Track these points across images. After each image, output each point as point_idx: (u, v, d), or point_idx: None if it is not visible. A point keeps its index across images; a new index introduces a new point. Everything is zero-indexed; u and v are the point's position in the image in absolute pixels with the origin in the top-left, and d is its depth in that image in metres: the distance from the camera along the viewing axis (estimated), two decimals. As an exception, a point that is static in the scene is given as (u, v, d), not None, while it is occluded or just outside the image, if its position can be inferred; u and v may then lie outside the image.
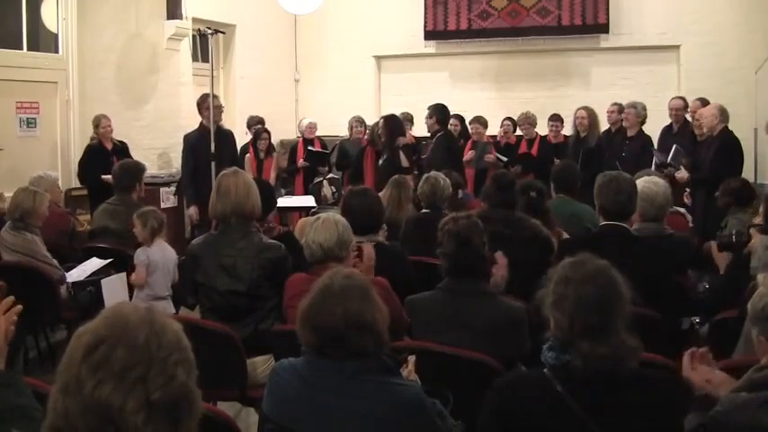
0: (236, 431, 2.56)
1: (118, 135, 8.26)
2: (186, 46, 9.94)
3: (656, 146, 8.43)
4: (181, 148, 8.17)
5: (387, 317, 2.41)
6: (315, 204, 6.66)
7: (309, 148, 9.53)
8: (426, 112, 8.62)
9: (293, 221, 8.01)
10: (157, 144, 9.38)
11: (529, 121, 9.30)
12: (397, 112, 9.77)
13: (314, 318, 2.31)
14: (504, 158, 9.00)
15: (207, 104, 7.70)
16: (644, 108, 8.46)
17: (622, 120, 8.71)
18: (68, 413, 1.35)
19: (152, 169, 8.54)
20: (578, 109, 8.84)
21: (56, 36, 8.52)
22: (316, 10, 10.74)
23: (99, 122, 7.99)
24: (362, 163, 8.49)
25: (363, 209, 4.32)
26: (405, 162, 7.93)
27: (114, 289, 5.17)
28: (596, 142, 8.50)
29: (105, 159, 7.78)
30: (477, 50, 11.96)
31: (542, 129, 9.50)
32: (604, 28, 11.33)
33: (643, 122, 8.47)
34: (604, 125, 9.08)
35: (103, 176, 7.41)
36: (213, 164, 7.40)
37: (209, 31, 7.93)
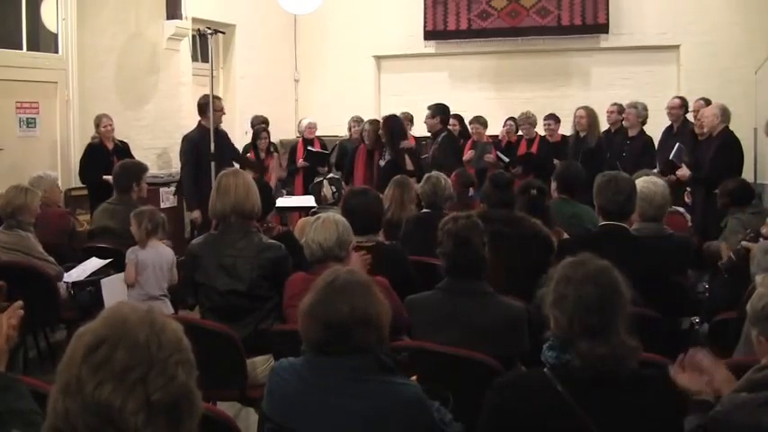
0: (235, 431, 2.56)
1: (118, 135, 8.26)
2: (186, 46, 9.94)
3: (656, 146, 8.44)
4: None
5: (389, 313, 2.43)
6: (315, 204, 6.66)
7: (309, 148, 9.54)
8: (427, 111, 8.60)
9: (293, 221, 8.01)
10: (157, 144, 9.38)
11: (529, 120, 9.30)
12: (397, 113, 9.77)
13: (321, 313, 2.32)
14: (506, 159, 9.00)
15: (216, 106, 7.61)
16: (645, 108, 8.47)
17: (622, 120, 8.71)
18: (68, 413, 1.35)
19: (152, 169, 8.53)
20: (578, 109, 8.85)
21: (56, 36, 8.52)
22: (315, 10, 10.74)
23: (100, 122, 7.98)
24: (354, 161, 8.47)
25: (363, 209, 4.32)
26: (409, 165, 7.83)
27: (114, 289, 5.16)
28: (596, 142, 8.51)
29: (106, 159, 7.78)
30: (476, 50, 11.97)
31: (542, 129, 9.50)
32: (604, 28, 11.34)
33: (644, 122, 8.47)
34: (604, 125, 9.09)
35: (105, 176, 7.40)
36: (213, 164, 7.39)
37: (209, 31, 7.93)
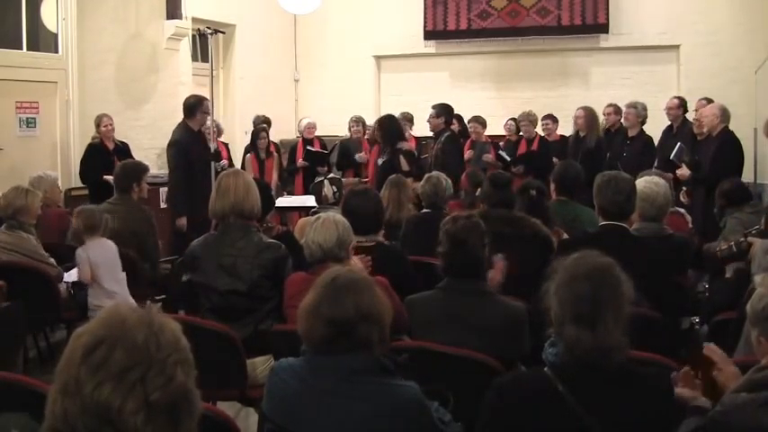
0: (235, 431, 2.56)
1: (117, 135, 8.26)
2: (186, 46, 9.94)
3: (656, 146, 8.45)
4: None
5: (391, 312, 2.45)
6: (315, 204, 6.66)
7: (308, 148, 9.54)
8: (431, 111, 8.58)
9: (293, 221, 8.01)
10: (157, 144, 9.36)
11: (530, 118, 9.30)
12: (397, 112, 9.78)
13: (325, 310, 2.32)
14: (508, 158, 9.01)
15: (204, 108, 7.25)
16: (644, 108, 8.47)
17: (620, 120, 8.72)
18: (67, 414, 1.35)
19: (152, 169, 8.49)
20: (577, 109, 8.85)
21: (55, 36, 8.52)
22: (315, 10, 10.75)
23: (100, 121, 7.96)
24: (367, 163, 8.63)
25: (364, 209, 4.32)
26: (405, 166, 7.74)
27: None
28: (596, 142, 8.51)
29: (106, 159, 7.77)
30: (476, 50, 11.97)
31: (541, 129, 9.50)
32: (604, 28, 11.34)
33: (643, 122, 8.47)
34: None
35: (105, 176, 7.39)
36: (213, 164, 7.37)
37: (209, 31, 7.93)
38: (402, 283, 3.77)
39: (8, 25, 8.15)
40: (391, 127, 7.91)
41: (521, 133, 9.53)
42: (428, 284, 3.61)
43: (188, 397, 1.43)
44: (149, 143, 9.28)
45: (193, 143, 7.18)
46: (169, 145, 7.26)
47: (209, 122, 7.65)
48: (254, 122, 10.02)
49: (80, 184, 8.28)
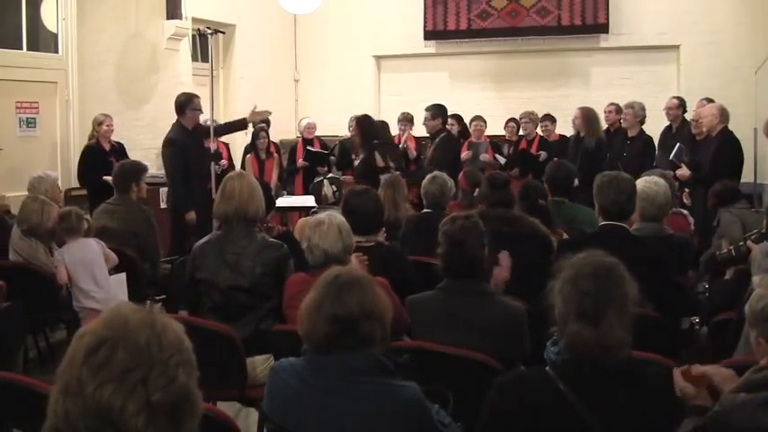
0: (235, 431, 2.56)
1: (117, 135, 8.25)
2: (186, 46, 9.94)
3: (656, 146, 8.45)
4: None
5: (392, 311, 2.47)
6: (315, 204, 6.66)
7: (308, 148, 9.54)
8: (426, 113, 8.58)
9: (293, 221, 8.01)
10: (157, 144, 9.29)
11: (531, 117, 9.31)
12: (397, 113, 9.79)
13: (328, 308, 2.33)
14: (503, 159, 9.01)
15: (194, 105, 7.20)
16: (642, 108, 8.46)
17: (620, 120, 8.72)
18: (69, 415, 1.35)
19: (152, 169, 8.50)
20: (576, 109, 8.85)
21: (55, 36, 8.52)
22: (315, 10, 10.74)
23: (102, 122, 7.89)
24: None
25: (364, 209, 4.32)
26: (380, 162, 7.90)
27: (114, 289, 5.19)
28: (596, 142, 8.50)
29: (104, 160, 7.73)
30: (476, 50, 11.97)
31: (540, 130, 9.50)
32: (604, 28, 11.34)
33: (642, 122, 8.47)
34: (605, 125, 9.09)
35: (105, 177, 7.37)
36: (213, 164, 7.36)
37: (209, 31, 7.91)
38: (402, 284, 3.77)
39: (8, 25, 8.15)
40: (368, 126, 8.06)
41: (520, 133, 9.53)
42: (428, 285, 3.62)
43: (189, 398, 1.43)
44: (149, 143, 9.27)
45: (189, 142, 7.13)
46: (164, 145, 7.24)
47: (202, 120, 7.63)
48: (253, 123, 10.01)
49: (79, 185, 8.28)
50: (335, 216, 3.73)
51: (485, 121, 9.58)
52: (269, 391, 2.48)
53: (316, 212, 5.24)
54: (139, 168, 6.19)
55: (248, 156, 9.50)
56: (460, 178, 6.73)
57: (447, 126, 9.04)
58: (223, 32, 9.16)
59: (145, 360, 1.38)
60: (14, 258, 5.33)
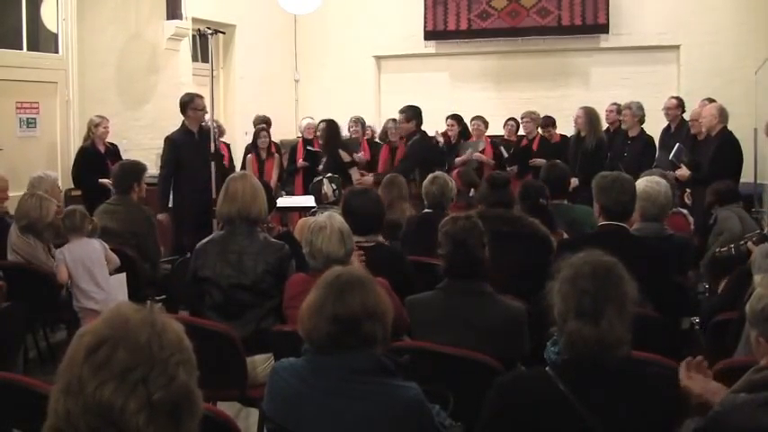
0: (235, 431, 2.56)
1: (117, 135, 8.25)
2: (186, 46, 9.95)
3: (656, 146, 8.45)
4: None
5: (392, 311, 2.47)
6: (315, 204, 6.67)
7: (308, 148, 9.53)
8: (399, 116, 8.52)
9: (293, 221, 8.01)
10: (157, 144, 9.31)
11: (532, 116, 9.30)
12: (398, 113, 9.77)
13: (330, 307, 2.33)
14: (506, 153, 9.04)
15: (195, 105, 7.23)
16: (640, 107, 8.45)
17: (620, 119, 8.73)
18: (70, 414, 1.36)
19: (151, 169, 8.50)
20: (578, 109, 8.85)
21: (56, 36, 8.52)
22: (315, 10, 10.75)
23: (99, 124, 7.86)
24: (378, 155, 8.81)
25: (364, 209, 4.32)
26: (346, 157, 8.25)
27: (114, 289, 5.19)
28: (596, 142, 8.51)
29: (100, 162, 7.72)
30: (476, 50, 11.98)
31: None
32: (604, 28, 11.35)
33: (642, 121, 8.47)
34: (604, 125, 9.10)
35: (101, 180, 7.37)
36: (213, 164, 7.35)
37: (209, 32, 7.90)
38: (402, 284, 3.77)
39: (8, 25, 8.15)
40: (333, 130, 8.34)
41: (520, 133, 9.53)
42: (429, 285, 3.61)
43: (190, 397, 1.43)
44: (149, 143, 9.28)
45: (187, 141, 7.18)
46: (164, 142, 7.41)
47: (208, 121, 7.63)
48: (253, 123, 10.02)
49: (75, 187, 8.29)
50: (335, 219, 3.70)
51: (484, 121, 9.57)
52: (269, 391, 2.48)
53: (315, 212, 5.23)
54: (140, 168, 6.19)
55: (249, 156, 9.49)
56: (454, 178, 6.70)
57: (447, 127, 9.03)
58: (223, 33, 9.16)
59: (145, 359, 1.39)
60: (14, 258, 5.33)
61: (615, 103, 9.12)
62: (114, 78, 8.97)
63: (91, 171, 7.68)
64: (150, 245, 5.92)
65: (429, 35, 12.01)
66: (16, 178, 6.45)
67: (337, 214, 3.86)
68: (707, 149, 7.21)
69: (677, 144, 7.65)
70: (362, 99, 11.95)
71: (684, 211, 6.30)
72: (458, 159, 9.10)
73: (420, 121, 8.30)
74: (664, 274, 3.94)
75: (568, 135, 9.23)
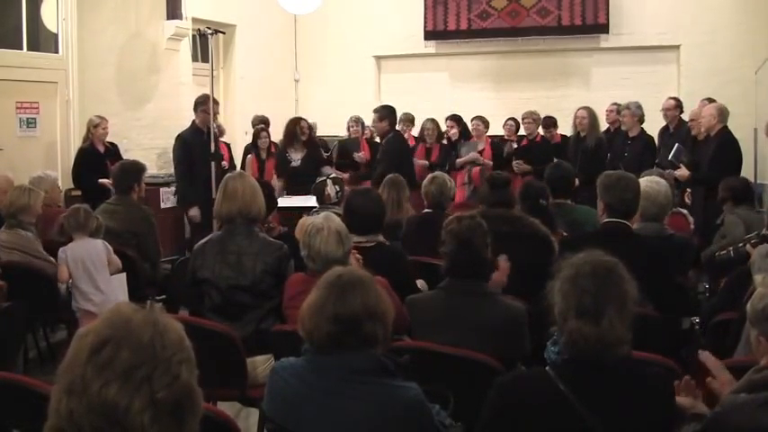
0: (235, 431, 2.56)
1: (117, 135, 8.25)
2: (186, 46, 9.94)
3: (657, 146, 8.45)
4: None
5: (393, 311, 2.47)
6: (315, 205, 6.66)
7: (309, 149, 9.53)
8: (374, 116, 8.54)
9: (293, 222, 8.01)
10: (157, 144, 9.37)
11: (533, 117, 9.30)
12: (398, 113, 9.77)
13: (332, 307, 2.34)
14: (514, 145, 9.08)
15: (206, 107, 7.56)
16: (639, 107, 8.45)
17: (619, 119, 8.74)
18: (73, 413, 1.36)
19: (152, 169, 8.54)
20: (579, 109, 8.84)
21: (56, 36, 8.51)
22: (316, 10, 10.74)
23: (98, 124, 7.86)
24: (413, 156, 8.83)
25: (364, 209, 4.32)
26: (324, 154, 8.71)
27: (114, 291, 5.19)
28: (596, 142, 8.51)
29: (99, 162, 7.72)
30: (476, 50, 11.97)
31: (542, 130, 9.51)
32: (604, 28, 11.34)
33: (641, 121, 8.47)
34: (603, 125, 9.10)
35: (101, 181, 7.38)
36: (213, 164, 7.38)
37: (209, 32, 7.91)
38: (402, 284, 3.77)
39: (8, 25, 8.15)
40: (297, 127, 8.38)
41: (520, 132, 9.53)
42: (429, 285, 3.62)
43: (192, 396, 1.44)
44: (149, 143, 9.28)
45: (195, 139, 7.53)
46: (174, 140, 7.84)
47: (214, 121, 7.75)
48: (252, 123, 10.02)
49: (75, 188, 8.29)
50: (333, 219, 3.69)
51: (484, 121, 9.58)
52: (269, 391, 2.48)
53: (317, 212, 5.23)
54: (140, 168, 6.20)
55: (249, 156, 9.49)
56: (475, 176, 6.71)
57: (446, 127, 9.03)
58: (223, 33, 9.16)
59: (149, 358, 1.39)
60: (6, 256, 5.27)
61: (615, 104, 9.13)
62: (114, 78, 8.96)
63: (90, 171, 7.68)
64: (150, 245, 5.92)
65: (429, 35, 12.00)
66: (16, 178, 6.44)
67: (334, 215, 3.85)
68: (706, 149, 7.21)
69: (677, 144, 7.65)
70: (362, 99, 11.93)
71: (684, 211, 6.30)
72: (459, 161, 9.12)
73: (394, 120, 8.37)
74: (665, 272, 3.95)
75: (568, 135, 9.23)
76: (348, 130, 9.91)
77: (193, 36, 9.82)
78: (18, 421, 2.99)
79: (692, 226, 6.15)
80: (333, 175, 6.31)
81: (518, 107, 10.10)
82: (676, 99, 8.75)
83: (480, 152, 9.22)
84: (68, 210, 5.35)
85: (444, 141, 9.43)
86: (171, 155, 9.31)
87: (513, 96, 11.52)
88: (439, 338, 3.24)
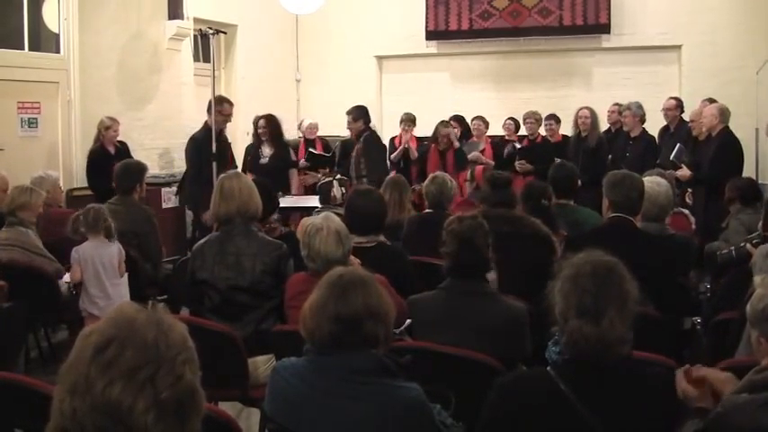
0: (237, 431, 2.57)
1: (119, 135, 8.24)
2: (187, 46, 9.94)
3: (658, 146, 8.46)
4: (183, 148, 8.14)
5: (394, 311, 2.48)
6: (317, 205, 6.66)
7: (310, 150, 9.53)
8: (347, 116, 8.62)
9: (295, 222, 8.01)
10: (159, 144, 9.37)
11: (535, 117, 9.30)
12: (399, 113, 9.78)
13: (333, 307, 2.34)
14: (518, 145, 9.08)
15: (219, 108, 7.63)
16: (639, 107, 8.46)
17: (620, 119, 8.74)
18: (76, 413, 1.36)
19: (153, 169, 8.53)
20: (581, 108, 8.84)
21: (57, 36, 8.51)
22: (317, 10, 10.74)
23: (110, 126, 7.86)
24: (427, 160, 8.92)
25: (365, 209, 4.33)
26: (293, 156, 8.89)
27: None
28: (597, 142, 8.51)
29: (110, 164, 7.69)
30: (478, 51, 11.97)
31: (543, 129, 9.50)
32: (606, 28, 11.33)
33: (643, 121, 8.47)
34: (604, 125, 9.10)
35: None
36: (215, 164, 7.39)
37: (211, 32, 7.92)
38: (402, 284, 3.77)
39: (9, 25, 8.15)
40: (276, 124, 8.58)
41: (519, 132, 9.52)
42: (429, 285, 3.62)
43: (195, 396, 1.44)
44: (151, 143, 9.28)
45: (206, 141, 7.53)
46: (188, 141, 7.91)
47: (203, 120, 7.78)
48: (253, 123, 10.01)
49: (81, 185, 8.27)
50: (332, 220, 3.69)
51: (485, 121, 9.58)
52: (270, 391, 2.48)
53: (319, 212, 5.23)
54: (141, 168, 6.22)
55: (250, 156, 9.48)
56: (477, 174, 6.70)
57: (448, 127, 9.03)
58: (225, 33, 9.17)
59: (153, 358, 1.39)
60: (6, 256, 5.27)
61: (617, 104, 9.13)
62: (116, 78, 8.96)
63: (102, 173, 7.65)
64: (152, 245, 5.93)
65: (430, 35, 12.00)
66: (18, 179, 6.44)
67: (334, 215, 3.85)
68: (707, 149, 7.21)
69: (678, 144, 7.65)
70: (364, 99, 11.86)
71: (685, 211, 6.29)
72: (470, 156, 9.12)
73: (368, 119, 8.51)
74: (669, 269, 3.96)
75: (569, 135, 9.23)
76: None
77: (195, 36, 9.82)
78: (20, 421, 2.99)
79: (694, 226, 6.14)
80: (339, 177, 6.33)
81: (519, 107, 10.09)
82: (677, 99, 8.76)
83: (481, 152, 9.23)
84: (82, 209, 5.31)
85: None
86: (172, 155, 9.37)
87: (515, 96, 11.51)
88: (440, 338, 3.24)
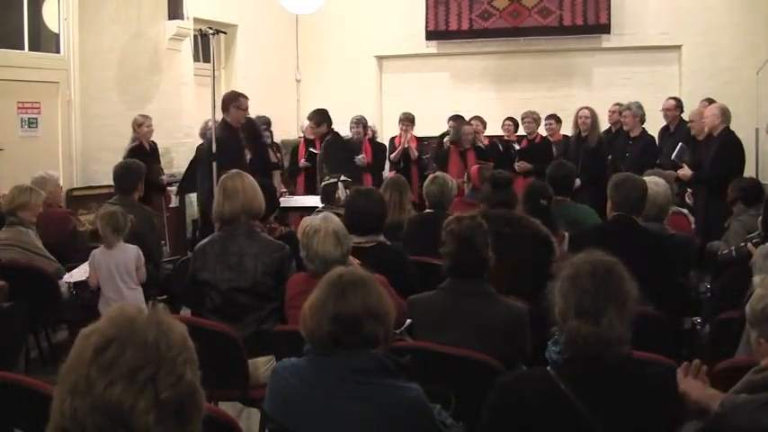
0: (237, 431, 2.57)
1: (119, 135, 8.25)
2: (187, 46, 9.93)
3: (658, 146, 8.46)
4: (183, 148, 8.14)
5: (394, 311, 2.48)
6: (318, 204, 6.65)
7: (311, 149, 9.53)
8: (309, 123, 8.71)
9: (295, 222, 8.01)
10: (159, 144, 9.36)
11: (533, 116, 9.30)
12: (399, 113, 9.79)
13: (333, 306, 2.34)
14: (517, 146, 9.07)
15: (238, 103, 7.55)
16: (639, 107, 8.46)
17: (620, 119, 8.74)
18: (77, 413, 1.36)
19: (153, 169, 8.52)
20: (581, 108, 8.83)
21: (57, 36, 8.52)
22: (317, 10, 10.74)
23: (142, 123, 8.03)
24: (447, 161, 8.90)
25: (365, 209, 4.33)
26: (273, 158, 8.97)
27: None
28: (597, 142, 8.51)
29: (147, 161, 7.63)
30: (478, 51, 11.97)
31: (544, 128, 9.50)
32: (606, 28, 11.34)
33: (643, 120, 8.47)
34: (604, 125, 9.10)
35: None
36: (215, 164, 7.36)
37: (211, 32, 7.91)
38: (402, 283, 3.77)
39: (10, 25, 8.15)
40: (252, 126, 8.51)
41: (521, 132, 9.52)
42: (430, 285, 3.62)
43: (195, 396, 1.44)
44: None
45: (228, 139, 7.31)
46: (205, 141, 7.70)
47: (204, 120, 7.73)
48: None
49: (81, 185, 8.28)
50: (331, 220, 3.69)
51: (483, 121, 9.57)
52: (271, 392, 2.48)
53: (320, 212, 5.23)
54: (142, 168, 6.22)
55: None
56: (473, 174, 6.68)
57: (448, 128, 9.03)
58: (225, 33, 9.15)
59: (153, 358, 1.39)
60: (6, 255, 5.27)
61: (618, 104, 9.12)
62: (116, 78, 8.96)
63: None
64: (152, 245, 5.92)
65: (430, 35, 12.00)
66: (18, 179, 6.44)
67: (334, 215, 3.85)
68: (707, 149, 7.21)
69: (679, 144, 7.65)
70: (364, 99, 11.93)
71: (685, 211, 6.29)
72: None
73: (330, 123, 8.56)
74: (666, 271, 3.97)
75: (569, 135, 9.22)
76: (350, 130, 9.91)
77: (195, 36, 9.81)
78: (20, 421, 2.99)
79: (694, 226, 6.14)
80: (343, 178, 6.31)
81: (519, 107, 10.09)
82: (677, 99, 8.75)
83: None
84: (102, 212, 5.26)
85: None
86: (173, 155, 9.36)
87: (515, 96, 11.51)
88: (440, 338, 3.24)
